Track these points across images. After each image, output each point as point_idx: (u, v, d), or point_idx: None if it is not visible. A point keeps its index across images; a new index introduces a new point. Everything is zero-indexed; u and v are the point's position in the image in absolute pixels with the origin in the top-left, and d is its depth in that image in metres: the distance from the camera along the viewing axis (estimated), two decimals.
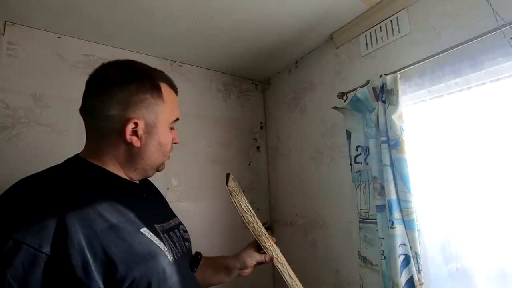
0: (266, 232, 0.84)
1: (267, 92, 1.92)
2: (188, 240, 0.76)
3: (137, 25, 1.27)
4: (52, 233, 0.47)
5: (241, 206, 0.81)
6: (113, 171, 0.63)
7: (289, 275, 0.84)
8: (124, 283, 0.51)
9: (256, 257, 0.85)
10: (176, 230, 0.71)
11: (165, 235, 0.65)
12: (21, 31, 1.22)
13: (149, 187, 0.79)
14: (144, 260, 0.54)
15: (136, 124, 0.61)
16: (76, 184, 0.56)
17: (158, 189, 0.86)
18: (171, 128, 0.70)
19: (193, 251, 0.83)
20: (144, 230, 0.58)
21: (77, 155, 0.64)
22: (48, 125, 1.22)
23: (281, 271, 0.83)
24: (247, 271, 0.86)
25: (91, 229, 0.51)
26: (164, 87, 0.67)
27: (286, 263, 0.85)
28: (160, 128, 0.65)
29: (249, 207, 0.83)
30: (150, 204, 0.71)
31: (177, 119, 0.71)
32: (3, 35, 1.18)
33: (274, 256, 0.83)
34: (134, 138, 0.62)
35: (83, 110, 0.64)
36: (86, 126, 0.64)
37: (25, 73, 1.21)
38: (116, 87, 0.61)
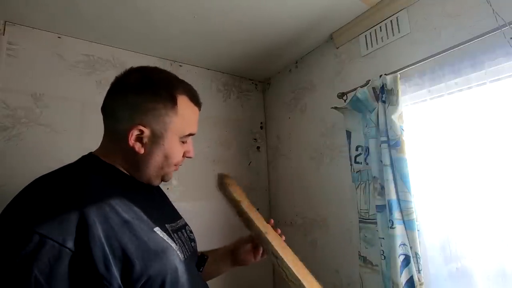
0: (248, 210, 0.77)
1: (267, 92, 1.92)
2: (194, 240, 0.76)
3: (137, 25, 1.27)
4: (74, 228, 0.48)
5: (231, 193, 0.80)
6: (122, 171, 0.65)
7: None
8: (140, 280, 0.51)
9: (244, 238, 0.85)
10: (183, 231, 0.72)
11: (175, 234, 0.66)
12: (21, 31, 1.22)
13: (157, 188, 0.79)
14: (158, 258, 0.55)
15: (141, 131, 0.61)
16: (93, 180, 0.58)
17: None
18: (184, 142, 0.67)
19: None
20: (157, 229, 0.59)
21: (90, 153, 0.65)
22: (48, 125, 1.22)
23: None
24: (245, 251, 0.84)
25: (108, 224, 0.51)
26: (183, 100, 0.64)
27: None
28: (168, 140, 0.63)
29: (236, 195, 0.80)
30: (158, 204, 0.72)
31: (191, 134, 0.68)
32: (3, 35, 1.18)
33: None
34: (138, 145, 0.61)
35: (102, 109, 0.65)
36: (104, 125, 0.66)
37: (25, 73, 1.21)
38: (131, 92, 0.62)
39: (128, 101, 0.62)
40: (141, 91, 0.62)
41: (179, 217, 0.77)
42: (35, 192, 0.54)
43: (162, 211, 0.71)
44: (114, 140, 0.64)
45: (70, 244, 0.47)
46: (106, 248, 0.49)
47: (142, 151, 0.62)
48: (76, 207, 0.50)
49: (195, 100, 0.67)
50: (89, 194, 0.54)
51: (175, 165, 0.68)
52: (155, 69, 0.67)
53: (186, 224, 0.77)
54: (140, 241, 0.54)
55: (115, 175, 0.63)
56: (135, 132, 0.60)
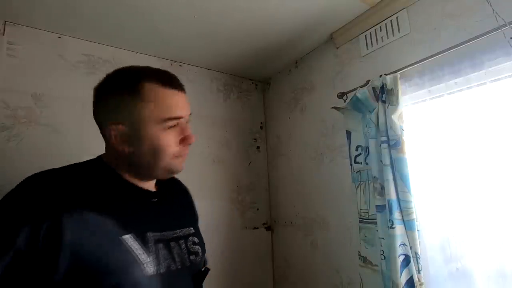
0: None
1: (267, 92, 1.92)
2: (196, 253, 0.70)
3: (137, 25, 1.27)
4: (45, 229, 0.50)
5: None
6: (123, 175, 0.64)
7: None
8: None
9: None
10: (181, 241, 0.68)
11: (159, 244, 0.62)
12: (21, 31, 1.22)
13: (172, 191, 0.77)
14: (113, 273, 0.54)
15: (117, 129, 0.60)
16: (78, 184, 0.58)
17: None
18: (172, 127, 0.62)
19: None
20: (126, 237, 0.56)
21: (99, 156, 0.67)
22: (48, 125, 1.22)
23: None
24: None
25: (79, 232, 0.52)
26: (149, 86, 0.61)
27: None
28: (146, 130, 0.60)
29: None
30: (156, 210, 0.67)
31: (175, 118, 0.62)
32: (3, 35, 1.18)
33: None
34: (120, 144, 0.61)
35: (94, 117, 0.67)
36: None
37: (25, 73, 1.21)
38: (101, 94, 0.64)
39: (100, 104, 0.64)
40: (108, 90, 0.63)
41: (183, 225, 0.72)
42: (17, 189, 0.55)
43: (157, 218, 0.66)
44: (107, 147, 0.65)
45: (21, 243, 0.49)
46: (71, 256, 0.50)
47: (126, 149, 0.61)
48: (49, 210, 0.51)
49: (166, 82, 0.62)
50: (66, 198, 0.54)
51: (176, 156, 0.63)
52: (124, 67, 0.66)
53: (190, 235, 0.72)
54: (100, 251, 0.53)
55: (108, 179, 0.62)
56: (112, 132, 0.60)
